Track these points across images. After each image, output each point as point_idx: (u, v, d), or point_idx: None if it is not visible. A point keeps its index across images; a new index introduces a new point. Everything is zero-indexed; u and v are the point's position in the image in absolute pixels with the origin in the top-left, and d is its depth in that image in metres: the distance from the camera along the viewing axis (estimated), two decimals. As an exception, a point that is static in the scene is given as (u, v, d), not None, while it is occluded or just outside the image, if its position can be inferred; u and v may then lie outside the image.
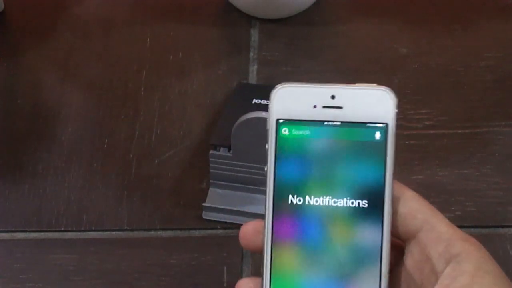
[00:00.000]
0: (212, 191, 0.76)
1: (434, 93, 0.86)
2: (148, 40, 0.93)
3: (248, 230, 0.50)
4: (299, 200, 0.48)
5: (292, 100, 0.48)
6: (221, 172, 0.75)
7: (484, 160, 0.80)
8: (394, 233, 0.49)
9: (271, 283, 0.48)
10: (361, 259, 0.48)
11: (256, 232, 0.49)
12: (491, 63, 0.89)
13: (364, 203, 0.48)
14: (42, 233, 0.75)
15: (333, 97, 0.48)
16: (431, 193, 0.77)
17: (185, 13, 0.96)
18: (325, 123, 0.48)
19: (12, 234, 0.75)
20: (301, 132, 0.48)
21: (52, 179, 0.79)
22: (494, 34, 0.93)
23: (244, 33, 0.93)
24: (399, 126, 0.84)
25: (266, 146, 0.48)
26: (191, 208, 0.76)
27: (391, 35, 0.93)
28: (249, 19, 0.94)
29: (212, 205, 0.75)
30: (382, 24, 0.94)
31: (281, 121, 0.48)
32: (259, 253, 0.49)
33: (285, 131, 0.48)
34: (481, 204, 0.76)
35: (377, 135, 0.48)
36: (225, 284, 0.71)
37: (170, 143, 0.82)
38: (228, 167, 0.74)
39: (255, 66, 0.89)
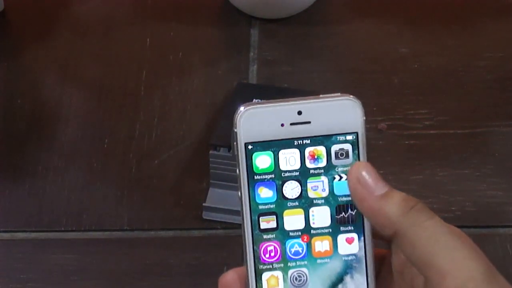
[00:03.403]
0: (212, 191, 0.76)
1: (434, 93, 0.86)
2: (148, 40, 0.93)
3: (228, 280, 0.49)
4: (278, 224, 0.48)
5: (258, 122, 0.47)
6: (221, 172, 0.75)
7: (484, 160, 0.80)
8: (378, 236, 0.49)
9: None
10: (346, 271, 0.48)
11: (237, 280, 0.49)
12: (491, 63, 0.89)
13: (343, 215, 0.48)
14: (42, 233, 0.75)
15: (299, 112, 0.47)
16: (431, 193, 0.77)
17: (185, 13, 0.96)
18: (295, 141, 0.47)
19: (12, 234, 0.75)
20: (271, 153, 0.47)
21: (52, 179, 0.79)
22: (494, 34, 0.93)
23: (244, 33, 0.93)
24: (399, 126, 0.84)
25: (237, 171, 0.47)
26: (191, 208, 0.76)
27: (391, 35, 0.93)
28: (249, 19, 0.94)
29: (212, 205, 0.75)
30: (382, 24, 0.94)
31: (250, 145, 0.47)
32: None
33: (255, 154, 0.47)
34: (481, 204, 0.76)
35: (348, 145, 0.47)
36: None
37: (170, 143, 0.82)
38: (228, 167, 0.74)
39: (255, 66, 0.89)
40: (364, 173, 0.46)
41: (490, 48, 0.91)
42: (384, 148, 0.81)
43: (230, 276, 0.49)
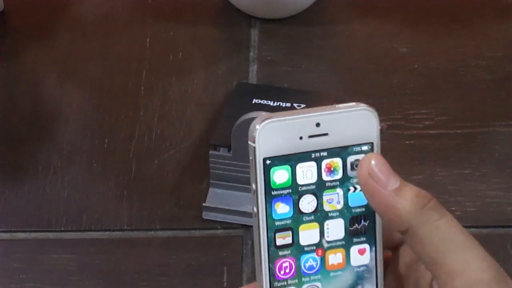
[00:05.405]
0: (212, 191, 0.76)
1: (434, 93, 0.86)
2: (148, 40, 0.93)
3: None
4: (294, 239, 0.47)
5: (277, 135, 0.45)
6: (221, 172, 0.75)
7: (484, 160, 0.80)
8: (388, 245, 0.49)
9: None
10: (357, 281, 0.48)
11: None
12: (491, 63, 0.89)
13: (356, 226, 0.48)
14: (42, 233, 0.75)
15: (318, 125, 0.46)
16: (431, 193, 0.77)
17: (185, 13, 0.96)
18: (312, 154, 0.46)
19: (12, 234, 0.75)
20: (289, 167, 0.46)
21: (52, 179, 0.79)
22: (494, 34, 0.93)
23: (244, 33, 0.93)
24: (399, 126, 0.84)
25: (253, 187, 0.46)
26: (191, 208, 0.76)
27: (391, 35, 0.93)
28: (249, 19, 0.94)
29: (212, 205, 0.75)
30: (382, 24, 0.94)
31: (268, 160, 0.46)
32: None
33: (273, 169, 0.46)
34: (481, 204, 0.76)
35: (364, 155, 0.47)
36: (225, 284, 0.71)
37: (170, 143, 0.82)
38: (228, 167, 0.74)
39: (255, 66, 0.89)
40: (375, 166, 0.45)
41: (490, 48, 0.91)
42: (384, 148, 0.80)
43: None
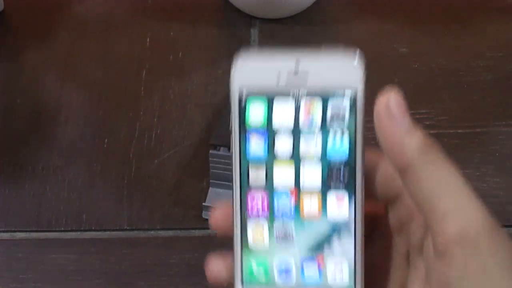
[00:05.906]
0: (212, 191, 0.76)
1: (434, 93, 0.86)
2: (148, 40, 0.93)
3: (218, 216, 0.49)
4: (268, 176, 0.47)
5: (254, 72, 0.45)
6: (221, 172, 0.75)
7: (484, 160, 0.80)
8: (381, 199, 0.48)
9: (243, 262, 0.48)
10: (333, 231, 0.47)
11: (227, 216, 0.49)
12: (491, 63, 0.89)
13: (335, 173, 0.47)
14: (42, 233, 0.75)
15: (298, 65, 0.45)
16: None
17: (185, 13, 0.96)
18: (291, 94, 0.46)
19: (12, 234, 0.75)
20: (266, 105, 0.46)
21: (52, 179, 0.79)
22: (494, 34, 0.93)
23: (244, 33, 0.93)
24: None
25: (231, 125, 0.46)
26: (191, 208, 0.76)
27: (391, 35, 0.93)
28: (249, 19, 0.94)
29: (212, 205, 0.75)
30: (382, 24, 0.94)
31: (244, 95, 0.46)
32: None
33: (248, 105, 0.46)
34: (481, 204, 0.76)
35: (346, 101, 0.46)
36: (225, 284, 0.71)
37: (170, 143, 0.82)
38: (228, 167, 0.74)
39: (255, 66, 0.89)
40: (393, 100, 0.46)
41: (490, 48, 0.91)
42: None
43: (216, 264, 0.51)
